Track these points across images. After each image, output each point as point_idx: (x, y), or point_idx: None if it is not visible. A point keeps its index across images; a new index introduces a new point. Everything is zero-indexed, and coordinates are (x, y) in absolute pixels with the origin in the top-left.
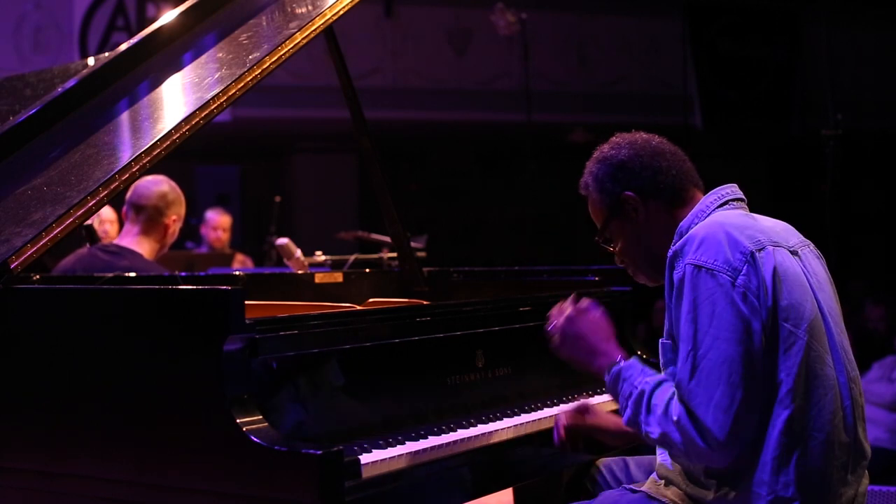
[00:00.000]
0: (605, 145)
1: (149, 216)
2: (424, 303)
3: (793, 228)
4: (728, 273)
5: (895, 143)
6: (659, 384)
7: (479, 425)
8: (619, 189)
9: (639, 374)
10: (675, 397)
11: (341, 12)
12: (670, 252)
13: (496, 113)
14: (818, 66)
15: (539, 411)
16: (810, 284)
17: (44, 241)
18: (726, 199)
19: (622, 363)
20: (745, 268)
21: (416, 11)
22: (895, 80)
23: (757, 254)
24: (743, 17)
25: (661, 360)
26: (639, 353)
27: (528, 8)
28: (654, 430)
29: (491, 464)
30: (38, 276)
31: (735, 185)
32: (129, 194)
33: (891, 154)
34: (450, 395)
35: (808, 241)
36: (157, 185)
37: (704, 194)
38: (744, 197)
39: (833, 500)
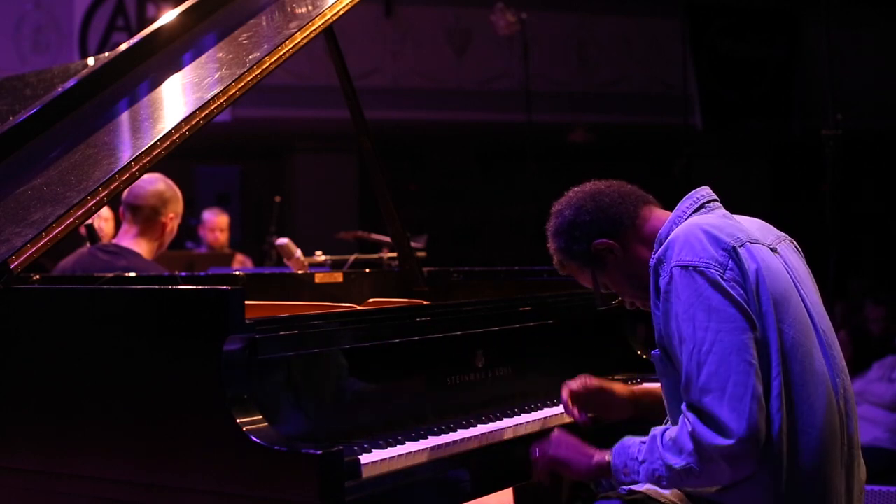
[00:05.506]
0: (549, 220)
1: (146, 216)
2: (424, 303)
3: (769, 225)
4: (716, 268)
5: (895, 143)
6: (667, 428)
7: (479, 425)
8: (585, 245)
9: (638, 441)
10: (685, 409)
11: (341, 12)
12: (653, 260)
13: (496, 113)
14: (818, 66)
15: (539, 411)
16: (792, 279)
17: (44, 241)
18: (701, 202)
19: (616, 447)
20: (730, 262)
21: (416, 11)
22: (895, 80)
23: (739, 249)
24: (743, 17)
25: (657, 373)
26: (639, 352)
27: (528, 8)
28: (674, 460)
29: (491, 464)
30: (38, 276)
31: (707, 187)
32: (125, 194)
33: (891, 154)
34: (450, 395)
35: (786, 236)
36: (153, 183)
37: (657, 204)
38: (717, 197)
39: (829, 495)
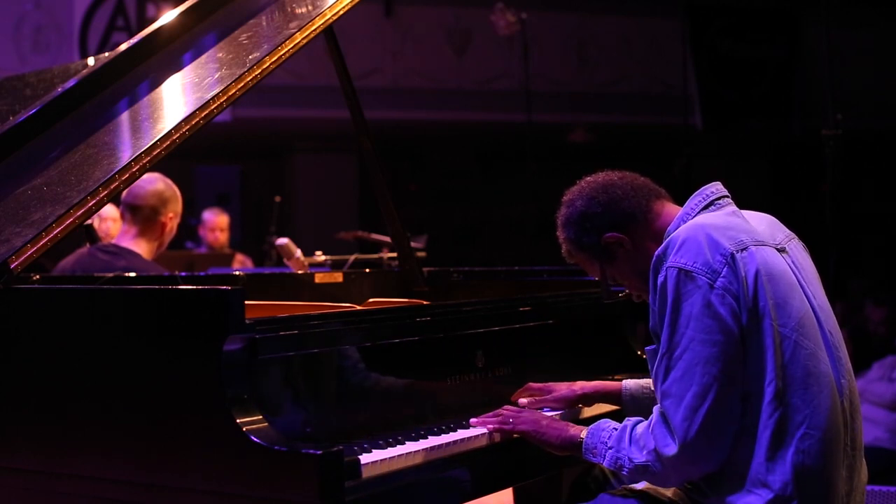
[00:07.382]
0: (560, 209)
1: (145, 216)
2: (424, 303)
3: (778, 222)
4: (707, 275)
5: (895, 143)
6: (640, 421)
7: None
8: (596, 237)
9: (612, 427)
10: (655, 408)
11: (341, 12)
12: (654, 256)
13: (496, 113)
14: (818, 66)
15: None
16: (799, 280)
17: (44, 241)
18: (711, 199)
19: (592, 427)
20: (724, 269)
21: (416, 11)
22: (895, 80)
23: (738, 255)
24: (743, 17)
25: (650, 367)
26: (639, 353)
27: (528, 8)
28: (636, 455)
29: (491, 464)
30: (38, 276)
31: (719, 183)
32: (124, 195)
33: (891, 154)
34: (450, 395)
35: (793, 234)
36: (152, 183)
37: (669, 198)
38: (728, 193)
39: (831, 497)
